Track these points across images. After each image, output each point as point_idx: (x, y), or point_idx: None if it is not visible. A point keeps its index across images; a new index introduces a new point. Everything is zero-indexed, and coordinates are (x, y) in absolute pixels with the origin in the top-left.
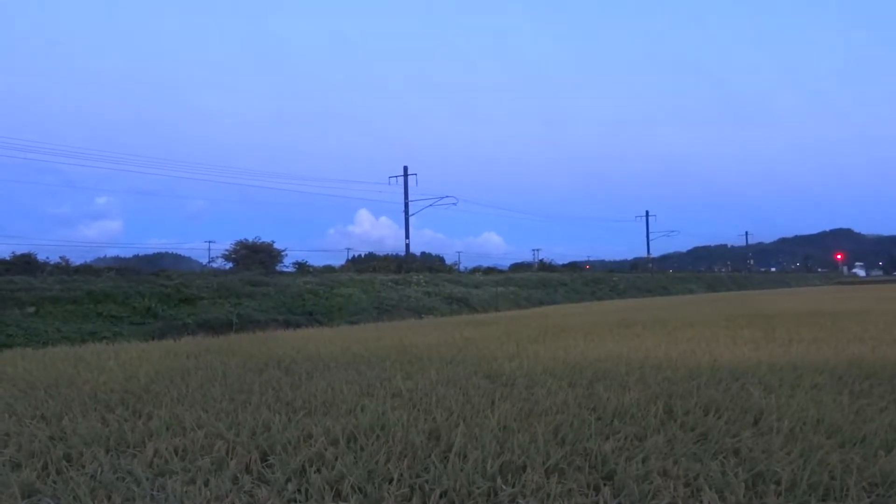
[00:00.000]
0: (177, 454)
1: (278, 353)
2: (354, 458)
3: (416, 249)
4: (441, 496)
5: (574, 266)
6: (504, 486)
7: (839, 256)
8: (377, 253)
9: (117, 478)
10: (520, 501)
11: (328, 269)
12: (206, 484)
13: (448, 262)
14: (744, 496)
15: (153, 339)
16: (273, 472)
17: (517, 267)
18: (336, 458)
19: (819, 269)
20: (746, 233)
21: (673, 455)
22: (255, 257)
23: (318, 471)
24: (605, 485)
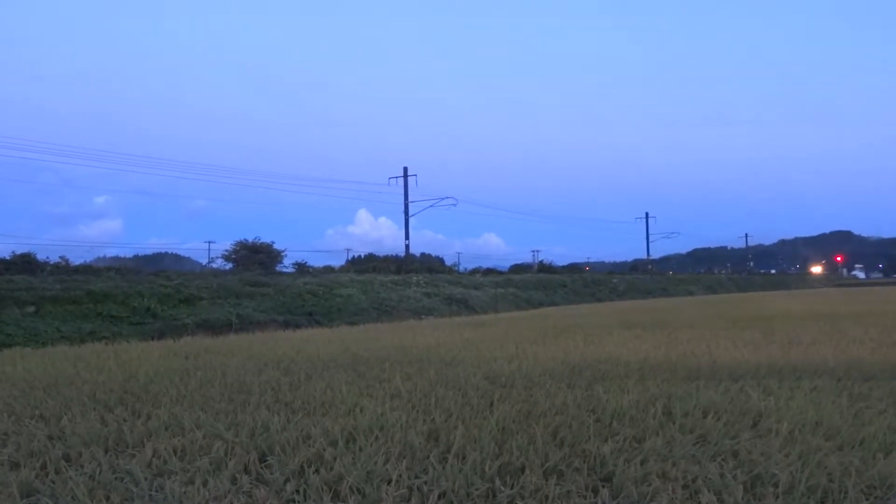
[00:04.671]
0: (176, 454)
1: (278, 353)
2: (353, 458)
3: (415, 250)
4: (440, 497)
5: (574, 267)
6: (503, 488)
7: (839, 258)
8: (377, 254)
9: (116, 478)
10: (518, 503)
11: (328, 269)
12: (205, 484)
13: (448, 262)
14: (742, 498)
15: (153, 339)
16: (272, 473)
17: (517, 268)
18: (335, 459)
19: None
20: (746, 234)
21: (672, 457)
22: (255, 258)
23: (317, 471)
24: (603, 486)
